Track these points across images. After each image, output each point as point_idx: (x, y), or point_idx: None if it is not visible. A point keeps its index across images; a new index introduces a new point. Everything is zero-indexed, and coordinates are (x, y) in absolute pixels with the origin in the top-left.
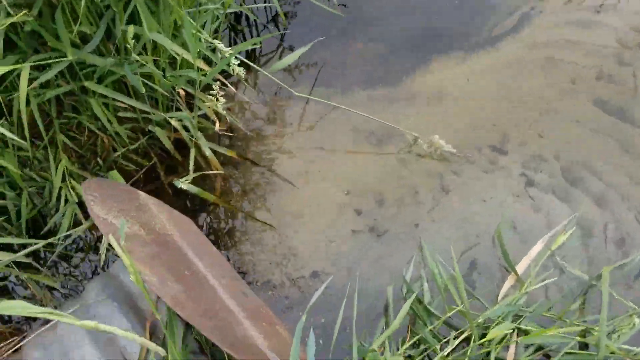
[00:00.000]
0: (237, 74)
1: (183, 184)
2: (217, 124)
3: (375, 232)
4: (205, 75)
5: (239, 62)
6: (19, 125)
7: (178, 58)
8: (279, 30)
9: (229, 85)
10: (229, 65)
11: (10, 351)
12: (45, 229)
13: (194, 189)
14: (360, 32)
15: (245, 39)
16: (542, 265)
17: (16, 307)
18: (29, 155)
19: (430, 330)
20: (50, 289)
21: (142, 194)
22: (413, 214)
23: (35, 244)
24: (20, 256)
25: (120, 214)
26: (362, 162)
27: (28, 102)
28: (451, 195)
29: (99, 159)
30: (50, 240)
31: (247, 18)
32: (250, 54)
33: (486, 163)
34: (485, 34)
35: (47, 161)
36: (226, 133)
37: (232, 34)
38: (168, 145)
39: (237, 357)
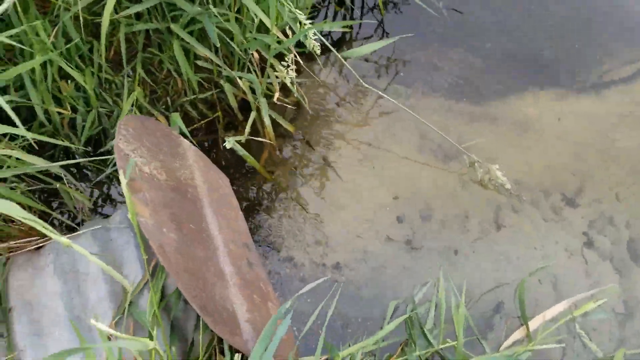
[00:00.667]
0: (312, 48)
1: (230, 142)
2: (277, 94)
3: (410, 245)
4: (280, 42)
5: (317, 39)
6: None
7: (256, 20)
8: (377, 20)
9: (302, 62)
10: (305, 37)
11: (34, 247)
12: (104, 148)
13: (240, 151)
14: (461, 41)
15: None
16: (562, 327)
17: (10, 209)
18: (108, 78)
19: (419, 356)
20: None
21: (184, 141)
22: (455, 239)
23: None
24: (67, 164)
25: (146, 154)
26: (419, 171)
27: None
28: (502, 231)
29: (168, 99)
30: (103, 157)
31: (352, 1)
32: (339, 40)
33: (549, 210)
34: (594, 78)
35: (123, 88)
36: (289, 106)
37: (329, 13)
38: (233, 102)
39: (204, 318)
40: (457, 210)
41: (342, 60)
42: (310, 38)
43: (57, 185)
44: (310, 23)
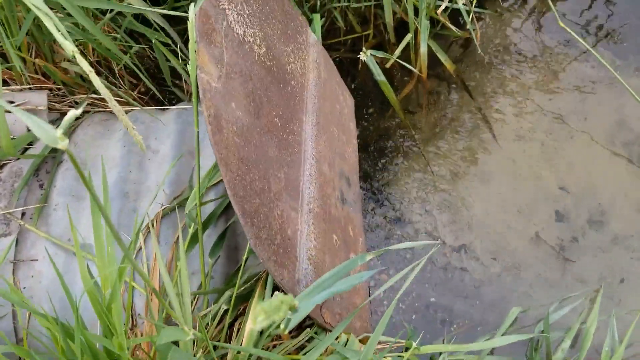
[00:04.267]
0: None
1: (367, 55)
2: (444, 18)
3: (563, 252)
4: None
5: None
6: None
7: None
8: None
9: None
10: None
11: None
12: None
13: (378, 74)
14: None
15: None
16: None
17: None
18: None
19: None
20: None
21: (311, 34)
22: (626, 262)
23: None
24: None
25: (246, 16)
26: (602, 165)
27: None
28: None
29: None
30: None
31: None
32: None
33: None
34: None
35: None
36: (457, 41)
37: None
38: (389, 19)
39: (244, 227)
40: None
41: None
42: None
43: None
44: None
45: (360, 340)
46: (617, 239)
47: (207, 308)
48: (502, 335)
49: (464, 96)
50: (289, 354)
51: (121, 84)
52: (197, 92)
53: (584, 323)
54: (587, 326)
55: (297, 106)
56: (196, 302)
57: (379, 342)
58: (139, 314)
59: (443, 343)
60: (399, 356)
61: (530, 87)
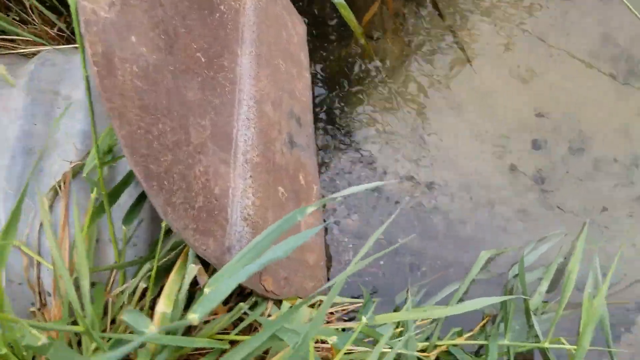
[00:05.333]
0: None
1: None
2: None
3: (542, 184)
4: None
5: None
6: None
7: None
8: None
9: None
10: None
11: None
12: None
13: None
14: None
15: None
16: None
17: None
18: None
19: (508, 348)
20: None
21: None
22: (609, 190)
23: None
24: None
25: None
26: (584, 86)
27: None
28: None
29: None
30: None
31: None
32: None
33: None
34: None
35: None
36: None
37: None
38: None
39: (149, 194)
40: (625, 151)
41: None
42: None
43: None
44: None
45: (311, 305)
46: (601, 165)
47: (123, 284)
48: (473, 280)
49: (433, 18)
50: (226, 329)
51: (34, 20)
52: (79, 29)
53: (567, 260)
54: (569, 266)
55: (230, 36)
56: (113, 277)
57: (334, 304)
58: (48, 292)
59: (407, 292)
60: (343, 329)
61: (508, 2)
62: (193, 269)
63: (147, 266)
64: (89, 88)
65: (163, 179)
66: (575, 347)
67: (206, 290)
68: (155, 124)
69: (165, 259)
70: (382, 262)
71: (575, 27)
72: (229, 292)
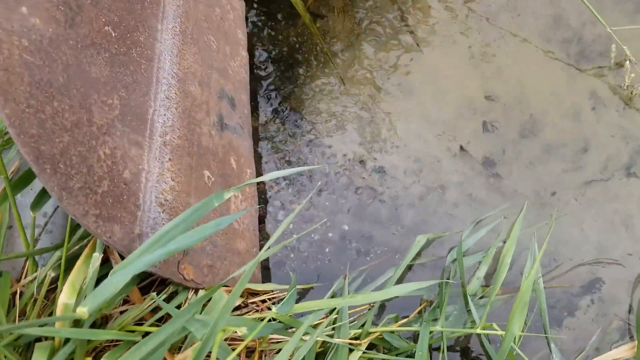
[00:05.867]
0: None
1: None
2: None
3: (490, 167)
4: None
5: None
6: None
7: None
8: None
9: None
10: None
11: None
12: None
13: None
14: None
15: None
16: None
17: None
18: None
19: (442, 333)
20: None
21: None
22: (558, 174)
23: None
24: None
25: None
26: (534, 68)
27: None
28: (633, 182)
29: None
30: None
31: None
32: None
33: None
34: None
35: None
36: None
37: None
38: None
39: (41, 179)
40: (574, 135)
41: None
42: None
43: None
44: None
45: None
46: (550, 148)
47: (34, 273)
48: (411, 265)
49: None
50: (142, 319)
51: None
52: None
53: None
54: (504, 250)
55: (148, 10)
56: (28, 266)
57: (265, 292)
58: None
59: (344, 279)
60: (260, 318)
61: None
62: (96, 257)
63: (58, 254)
64: None
65: (58, 161)
66: (503, 332)
67: (105, 280)
68: (50, 102)
69: (77, 247)
70: (327, 250)
71: (526, 9)
72: (123, 283)
